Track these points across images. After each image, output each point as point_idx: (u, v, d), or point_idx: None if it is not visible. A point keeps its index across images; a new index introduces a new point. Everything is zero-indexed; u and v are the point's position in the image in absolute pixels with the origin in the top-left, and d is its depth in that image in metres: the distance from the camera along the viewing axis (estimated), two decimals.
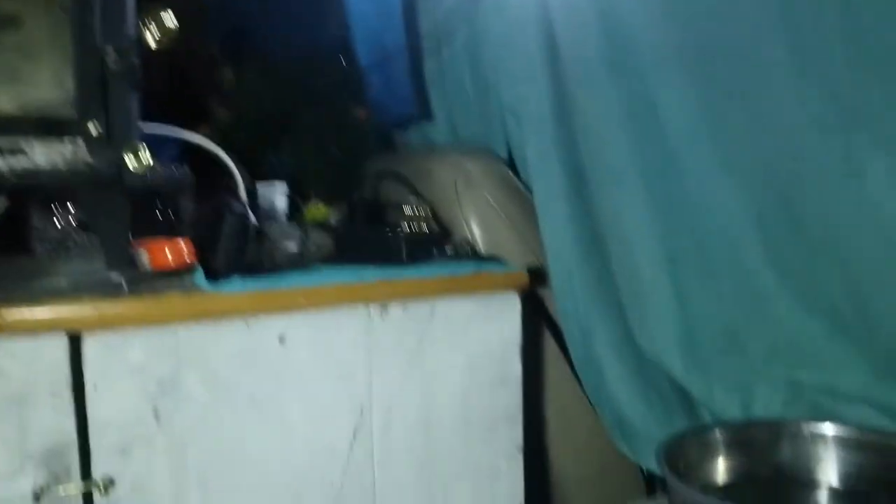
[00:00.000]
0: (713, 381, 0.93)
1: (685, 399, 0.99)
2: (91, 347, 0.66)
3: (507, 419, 0.90)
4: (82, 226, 0.87)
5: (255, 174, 1.08)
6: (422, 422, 0.84)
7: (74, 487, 0.66)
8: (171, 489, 0.70)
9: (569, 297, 1.00)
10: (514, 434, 0.91)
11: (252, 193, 1.03)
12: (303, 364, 0.77)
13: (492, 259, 0.97)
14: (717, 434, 0.85)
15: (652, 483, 1.09)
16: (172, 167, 0.97)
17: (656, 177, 0.91)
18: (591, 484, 1.06)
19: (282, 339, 0.75)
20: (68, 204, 0.84)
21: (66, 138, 0.68)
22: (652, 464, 0.96)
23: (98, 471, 0.67)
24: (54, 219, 0.85)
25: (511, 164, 1.11)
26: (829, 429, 0.82)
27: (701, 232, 0.90)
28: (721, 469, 0.85)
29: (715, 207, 0.88)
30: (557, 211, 0.99)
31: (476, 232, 1.03)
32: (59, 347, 0.65)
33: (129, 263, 0.75)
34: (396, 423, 0.82)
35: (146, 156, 0.70)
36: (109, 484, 0.67)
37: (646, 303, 0.95)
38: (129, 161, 0.69)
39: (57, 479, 0.66)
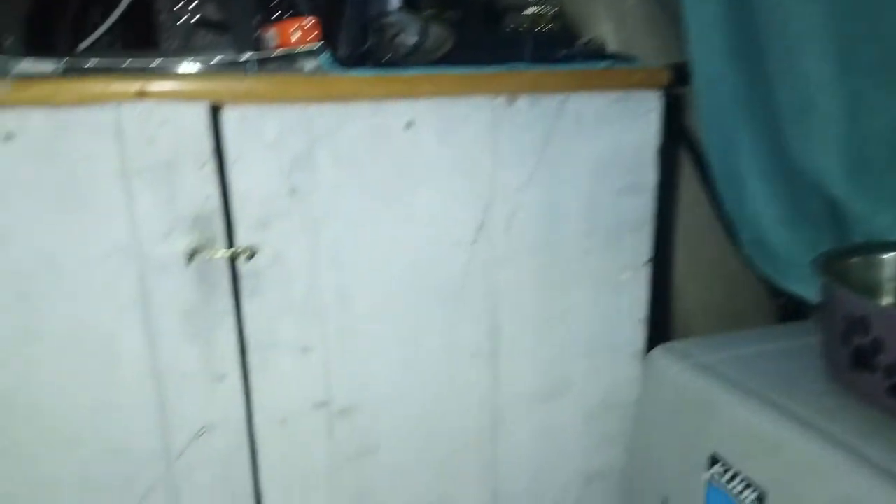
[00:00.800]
0: (881, 201, 0.93)
1: (837, 223, 1.00)
2: (230, 119, 0.76)
3: (636, 230, 0.95)
4: (206, 23, 0.95)
5: None
6: (546, 223, 0.91)
7: (221, 253, 0.78)
8: (307, 263, 0.82)
9: (714, 104, 1.00)
10: (641, 246, 0.96)
11: None
12: (429, 152, 0.84)
13: (628, 57, 0.98)
14: (884, 253, 0.86)
15: (787, 310, 1.13)
16: None
17: None
18: (714, 310, 1.12)
19: (408, 125, 0.82)
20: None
21: None
22: (794, 287, 1.00)
23: (241, 240, 0.79)
24: (180, 15, 0.94)
25: None
26: None
27: (884, 30, 0.87)
28: (887, 291, 0.86)
29: None
30: (707, 5, 0.97)
31: (609, 31, 1.03)
32: (201, 117, 0.74)
33: (257, 45, 0.83)
34: (519, 223, 0.90)
35: None
36: (252, 253, 0.80)
37: (809, 113, 0.94)
38: None
39: (205, 244, 0.78)
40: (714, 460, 0.76)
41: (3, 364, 0.77)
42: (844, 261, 0.81)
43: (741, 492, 0.72)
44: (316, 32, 0.83)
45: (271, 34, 0.83)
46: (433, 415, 0.94)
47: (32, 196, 0.73)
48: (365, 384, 0.89)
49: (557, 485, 1.03)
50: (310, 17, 0.84)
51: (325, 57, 0.82)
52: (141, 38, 1.00)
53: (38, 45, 0.86)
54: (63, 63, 0.77)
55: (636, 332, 0.98)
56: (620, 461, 1.04)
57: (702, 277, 1.11)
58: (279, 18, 0.87)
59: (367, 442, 0.91)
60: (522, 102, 0.86)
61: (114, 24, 0.91)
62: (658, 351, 0.90)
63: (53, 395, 0.79)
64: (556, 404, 0.98)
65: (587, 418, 1.01)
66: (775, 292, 1.06)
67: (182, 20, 0.97)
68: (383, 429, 0.92)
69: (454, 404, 0.94)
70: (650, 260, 0.96)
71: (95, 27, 0.93)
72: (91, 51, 0.90)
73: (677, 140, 1.07)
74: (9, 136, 0.71)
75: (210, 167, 0.76)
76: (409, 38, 0.94)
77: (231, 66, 0.80)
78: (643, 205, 0.94)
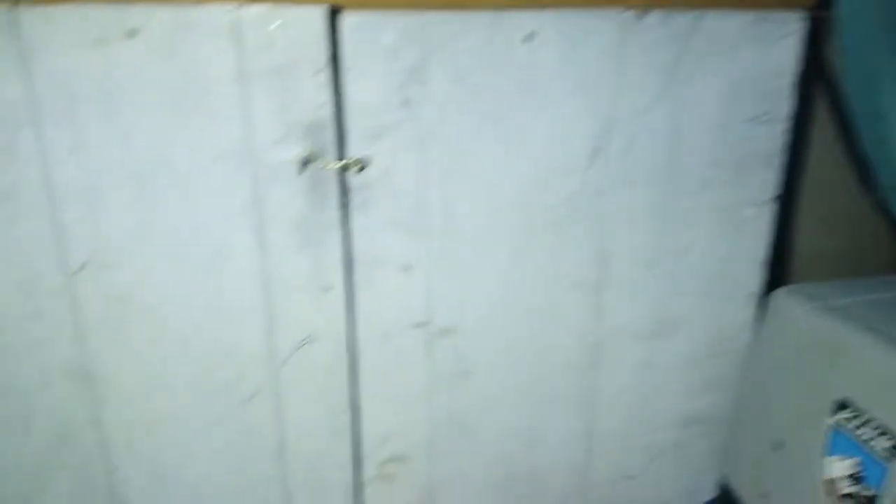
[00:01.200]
0: None
1: None
2: (348, 24, 0.74)
3: (765, 164, 0.89)
4: None
5: None
6: (668, 151, 0.86)
7: (333, 163, 0.78)
8: (414, 178, 0.81)
9: (858, 33, 0.91)
10: (768, 182, 0.90)
11: None
12: (548, 69, 0.80)
13: None
14: None
15: None
16: None
17: None
18: (835, 256, 1.05)
19: (528, 38, 0.79)
20: None
21: None
22: None
23: (352, 152, 0.79)
24: None
25: None
26: None
27: None
28: None
29: None
30: None
31: None
32: (319, 20, 0.73)
33: None
34: (639, 149, 0.85)
35: None
36: (362, 166, 0.79)
37: None
38: None
39: (317, 154, 0.78)
40: (842, 405, 0.72)
41: (121, 263, 0.80)
42: None
43: (872, 439, 0.68)
44: None
45: None
46: (530, 342, 0.93)
47: (152, 95, 0.74)
48: (464, 306, 0.88)
49: (654, 425, 1.01)
50: None
51: None
52: None
53: None
54: None
55: (754, 273, 0.93)
56: (722, 406, 1.01)
57: (826, 220, 1.04)
58: None
59: (464, 365, 0.91)
60: (653, 18, 0.81)
61: None
62: (782, 292, 0.85)
63: (167, 296, 0.82)
64: (660, 343, 0.96)
65: (692, 360, 0.98)
66: None
67: None
68: (480, 352, 0.91)
69: (553, 333, 0.93)
70: (777, 197, 0.91)
71: None
72: None
73: (814, 71, 0.99)
74: (133, 33, 0.72)
75: (325, 75, 0.76)
76: None
77: None
78: (775, 136, 0.88)
